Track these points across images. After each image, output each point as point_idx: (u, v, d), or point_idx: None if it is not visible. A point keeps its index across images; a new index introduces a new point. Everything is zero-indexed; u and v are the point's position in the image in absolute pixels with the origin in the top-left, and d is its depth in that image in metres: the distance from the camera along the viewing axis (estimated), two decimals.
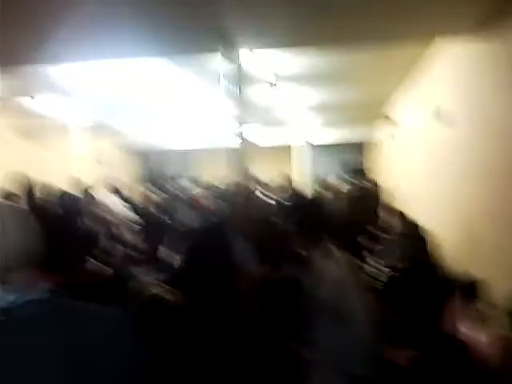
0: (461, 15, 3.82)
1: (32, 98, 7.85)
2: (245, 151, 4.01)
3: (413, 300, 3.90)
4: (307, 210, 2.53)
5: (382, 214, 7.13)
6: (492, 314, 3.61)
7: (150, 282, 3.31)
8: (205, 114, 9.86)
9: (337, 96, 8.42)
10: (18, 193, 5.99)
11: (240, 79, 4.05)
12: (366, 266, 4.54)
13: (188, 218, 5.51)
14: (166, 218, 6.29)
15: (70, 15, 3.48)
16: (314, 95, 8.24)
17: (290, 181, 10.62)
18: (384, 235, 5.80)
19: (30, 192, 3.43)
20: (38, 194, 6.37)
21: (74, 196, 6.35)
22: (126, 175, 13.51)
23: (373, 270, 4.59)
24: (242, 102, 4.04)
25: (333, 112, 10.25)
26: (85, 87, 7.11)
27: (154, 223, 5.73)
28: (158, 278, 3.42)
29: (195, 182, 10.84)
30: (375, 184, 7.91)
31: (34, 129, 9.94)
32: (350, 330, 2.27)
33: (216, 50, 4.05)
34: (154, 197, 7.08)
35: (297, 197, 9.04)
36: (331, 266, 2.30)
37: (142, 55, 4.94)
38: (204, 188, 8.65)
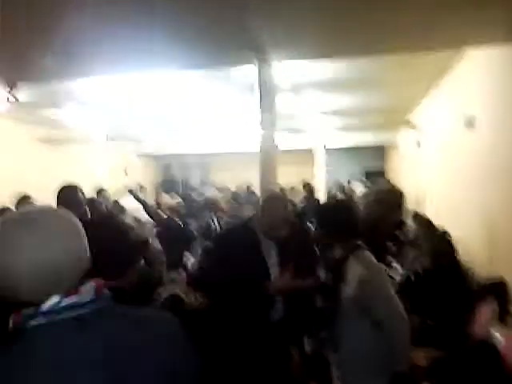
0: (493, 25, 3.80)
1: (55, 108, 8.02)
2: (270, 156, 4.14)
3: (440, 303, 3.87)
4: (336, 213, 2.54)
5: (406, 218, 7.09)
6: None
7: (175, 286, 3.34)
8: (226, 119, 9.93)
9: (361, 101, 8.41)
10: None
11: (271, 89, 4.16)
12: (391, 270, 4.52)
13: (210, 223, 5.57)
14: (187, 223, 6.36)
15: (99, 31, 3.58)
16: (338, 100, 8.25)
17: (310, 186, 10.66)
18: (409, 240, 5.78)
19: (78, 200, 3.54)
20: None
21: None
22: (148, 182, 13.64)
23: (399, 273, 4.56)
24: (271, 110, 4.13)
25: (357, 117, 10.22)
26: (107, 96, 7.23)
27: (173, 229, 5.74)
28: (183, 282, 3.47)
29: (216, 187, 10.97)
30: (397, 189, 7.86)
31: (57, 139, 10.14)
32: (387, 330, 2.27)
33: (247, 62, 4.18)
34: (175, 203, 7.12)
35: (320, 201, 9.07)
36: (362, 268, 2.30)
37: (175, 68, 5.06)
38: (225, 193, 8.75)
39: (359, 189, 9.91)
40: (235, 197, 9.86)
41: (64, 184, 3.66)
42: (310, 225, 4.63)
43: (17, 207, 6.08)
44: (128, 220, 5.30)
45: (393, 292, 2.32)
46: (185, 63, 4.70)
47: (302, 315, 2.84)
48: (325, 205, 3.12)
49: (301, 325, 2.89)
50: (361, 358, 2.32)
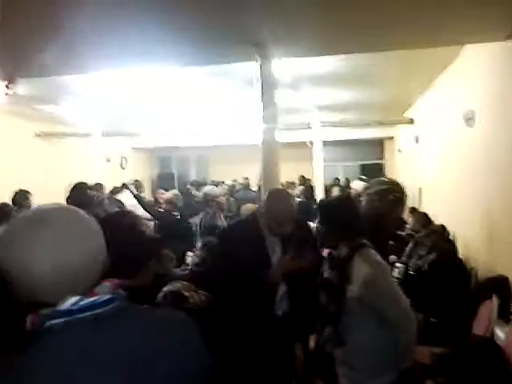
0: (493, 22, 3.80)
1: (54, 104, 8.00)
2: (272, 150, 4.17)
3: (442, 300, 3.89)
4: (341, 211, 2.52)
5: (405, 214, 7.10)
6: None
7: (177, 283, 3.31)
8: (225, 113, 9.92)
9: (359, 96, 8.42)
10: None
11: (272, 84, 4.16)
12: (393, 267, 4.52)
13: (210, 218, 5.54)
14: (184, 216, 6.33)
15: (99, 27, 3.56)
16: (337, 95, 8.25)
17: (308, 181, 10.65)
18: (408, 236, 5.79)
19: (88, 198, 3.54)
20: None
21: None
22: (145, 176, 13.61)
23: (400, 270, 4.57)
24: (272, 104, 4.14)
25: (355, 112, 10.24)
26: (105, 91, 7.20)
27: (171, 222, 5.71)
28: (185, 278, 3.43)
29: (212, 181, 10.94)
30: (398, 184, 7.87)
31: (54, 133, 10.10)
32: (393, 328, 2.27)
33: (248, 59, 4.20)
34: (171, 195, 7.07)
35: (316, 197, 9.07)
36: (368, 267, 2.29)
37: (176, 65, 5.06)
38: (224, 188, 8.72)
39: (357, 185, 9.90)
40: (232, 192, 9.84)
41: (77, 182, 3.62)
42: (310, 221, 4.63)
43: (14, 202, 6.06)
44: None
45: (399, 290, 2.31)
46: (186, 60, 4.73)
47: (306, 312, 2.83)
48: (329, 202, 3.10)
49: (305, 321, 2.88)
50: (366, 355, 2.33)
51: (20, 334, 1.01)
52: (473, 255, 4.94)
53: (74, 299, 1.00)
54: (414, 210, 7.16)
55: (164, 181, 14.27)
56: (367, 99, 8.69)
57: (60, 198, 7.71)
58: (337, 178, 12.75)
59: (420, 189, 8.48)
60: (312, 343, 2.90)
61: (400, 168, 11.89)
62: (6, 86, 4.98)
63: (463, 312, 3.74)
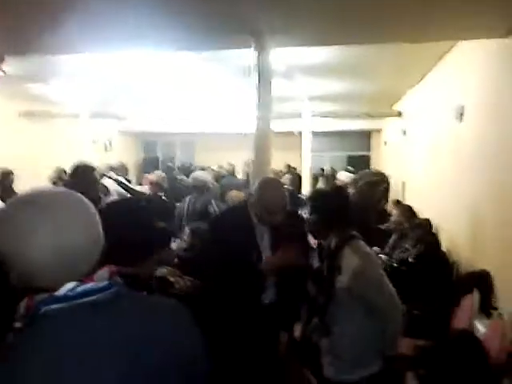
0: (487, 18, 3.81)
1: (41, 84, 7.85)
2: (265, 138, 4.18)
3: (424, 293, 3.95)
4: (332, 201, 2.53)
5: (389, 206, 7.15)
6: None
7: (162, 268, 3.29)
8: (214, 99, 9.86)
9: (349, 88, 8.43)
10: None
11: (267, 73, 4.17)
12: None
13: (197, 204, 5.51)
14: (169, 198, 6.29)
15: (93, 9, 3.49)
16: (327, 86, 8.25)
17: (294, 170, 10.67)
18: (391, 228, 5.84)
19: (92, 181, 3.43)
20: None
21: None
22: (130, 160, 13.49)
23: (384, 262, 4.61)
24: (267, 93, 4.14)
25: (344, 103, 10.26)
26: (94, 73, 7.09)
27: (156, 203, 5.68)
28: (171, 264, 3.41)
29: (200, 167, 10.87)
30: (384, 175, 7.93)
31: (41, 113, 9.93)
32: (381, 318, 2.31)
33: (245, 46, 4.18)
34: (156, 177, 7.02)
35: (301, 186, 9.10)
36: (357, 259, 2.31)
37: (172, 50, 5.00)
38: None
39: (343, 176, 9.95)
40: (217, 177, 9.80)
41: (80, 163, 3.50)
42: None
43: None
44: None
45: (387, 281, 2.34)
46: (181, 45, 4.67)
47: (292, 301, 2.85)
48: (321, 191, 3.11)
49: (291, 310, 2.90)
50: (354, 345, 2.36)
51: (11, 320, 0.99)
52: (456, 249, 5.02)
53: (70, 285, 0.98)
54: (398, 203, 7.22)
55: (149, 165, 14.18)
56: (357, 91, 8.70)
57: (43, 177, 7.66)
58: (322, 169, 12.80)
59: (404, 182, 8.56)
60: (297, 332, 2.92)
61: (386, 160, 11.98)
62: None
63: (445, 305, 3.80)
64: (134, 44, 4.57)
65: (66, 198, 1.04)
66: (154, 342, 1.04)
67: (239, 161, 10.87)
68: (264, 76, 4.21)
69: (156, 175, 7.06)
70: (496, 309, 3.65)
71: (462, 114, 5.09)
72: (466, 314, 3.52)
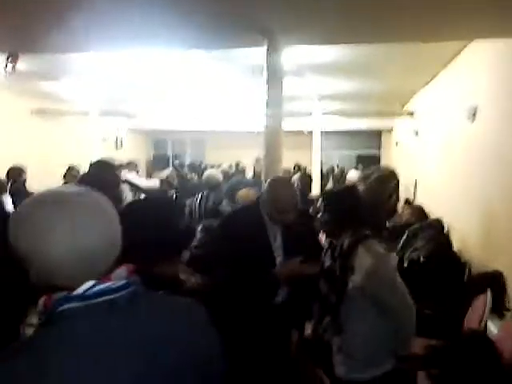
0: (502, 19, 3.78)
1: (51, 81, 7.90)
2: (275, 136, 4.18)
3: (436, 292, 3.92)
4: (346, 200, 2.52)
5: (401, 206, 7.12)
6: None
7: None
8: (224, 98, 9.86)
9: (360, 87, 8.40)
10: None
11: (279, 71, 4.17)
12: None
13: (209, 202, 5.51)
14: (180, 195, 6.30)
15: (105, 7, 3.50)
16: (338, 85, 8.22)
17: (303, 169, 10.63)
18: (401, 228, 5.81)
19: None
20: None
21: None
22: (140, 158, 13.54)
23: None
24: (278, 91, 4.13)
25: (355, 102, 10.22)
26: (104, 71, 7.12)
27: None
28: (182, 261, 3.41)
29: (211, 165, 10.88)
30: (394, 171, 7.88)
31: (52, 111, 10.00)
32: (393, 318, 2.30)
33: (256, 45, 4.18)
34: (168, 176, 7.05)
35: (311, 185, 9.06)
36: (371, 258, 2.30)
37: (183, 48, 5.01)
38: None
39: (353, 175, 9.92)
40: (226, 176, 9.79)
41: (99, 160, 3.46)
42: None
43: (8, 178, 6.02)
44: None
45: (400, 282, 2.33)
46: (192, 44, 4.67)
47: (304, 299, 2.84)
48: (334, 190, 3.09)
49: (303, 309, 2.90)
50: (366, 344, 2.35)
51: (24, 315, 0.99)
52: (468, 249, 4.98)
53: (88, 284, 0.98)
54: (409, 203, 7.19)
55: (159, 162, 14.22)
56: (368, 90, 8.66)
57: (54, 174, 7.71)
58: (332, 167, 12.77)
59: (416, 181, 8.51)
60: (309, 330, 2.92)
61: (396, 160, 11.92)
62: (8, 61, 4.90)
63: (456, 305, 3.78)
64: (145, 43, 4.58)
65: (84, 197, 1.03)
66: (171, 341, 1.04)
67: (249, 159, 10.88)
68: (275, 74, 4.21)
69: (166, 173, 7.09)
70: (509, 310, 3.63)
71: (474, 115, 5.06)
72: (479, 315, 3.49)
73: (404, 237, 5.42)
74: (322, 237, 3.50)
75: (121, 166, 7.49)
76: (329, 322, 2.47)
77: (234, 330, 2.59)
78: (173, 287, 1.48)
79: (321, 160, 10.67)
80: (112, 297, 1.00)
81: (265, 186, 2.87)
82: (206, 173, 5.78)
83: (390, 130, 13.29)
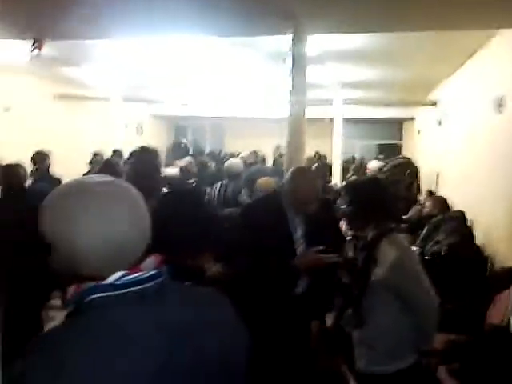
0: None
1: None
2: (299, 123, 4.16)
3: (458, 287, 3.88)
4: (373, 191, 2.48)
5: (423, 197, 7.04)
6: None
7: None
8: (246, 84, 9.83)
9: (383, 75, 8.28)
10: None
11: (303, 59, 4.11)
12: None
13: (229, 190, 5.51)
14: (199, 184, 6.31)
15: None
16: (361, 73, 8.13)
17: (323, 157, 10.56)
18: (424, 219, 5.75)
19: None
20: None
21: None
22: (161, 144, 13.60)
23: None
24: (302, 78, 4.10)
25: (377, 90, 10.09)
26: (126, 57, 7.14)
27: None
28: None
29: (231, 154, 10.88)
30: (410, 160, 7.80)
31: (75, 97, 10.08)
32: (417, 312, 2.29)
33: (282, 33, 4.14)
34: (187, 165, 7.06)
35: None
36: (395, 251, 2.28)
37: (208, 35, 4.99)
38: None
39: (374, 165, 9.83)
40: (245, 164, 9.76)
41: (142, 147, 3.46)
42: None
43: (33, 163, 6.10)
44: None
45: (424, 275, 2.30)
46: (219, 31, 4.65)
47: (325, 290, 2.84)
48: (360, 182, 3.05)
49: (323, 300, 2.90)
50: (389, 338, 2.34)
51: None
52: (492, 243, 4.90)
53: (118, 274, 0.98)
54: (431, 194, 7.10)
55: (179, 149, 14.25)
56: (391, 78, 8.54)
57: (78, 159, 7.80)
58: (353, 157, 12.64)
59: (438, 172, 8.39)
60: (330, 321, 2.91)
61: (419, 150, 11.76)
62: (33, 47, 4.96)
63: (478, 299, 3.73)
64: (169, 30, 4.57)
65: (114, 188, 1.03)
66: (199, 332, 1.04)
67: (269, 147, 10.84)
68: (299, 62, 4.17)
69: (185, 161, 7.09)
70: None
71: (500, 106, 4.95)
72: (501, 310, 3.44)
73: (425, 229, 5.37)
74: (343, 225, 3.48)
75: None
76: (351, 314, 2.46)
77: (254, 319, 2.60)
78: (198, 278, 1.49)
79: (341, 149, 10.56)
80: (141, 287, 1.00)
81: (287, 175, 2.86)
82: (227, 162, 5.77)
83: (412, 119, 13.10)
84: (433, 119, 9.16)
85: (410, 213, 6.63)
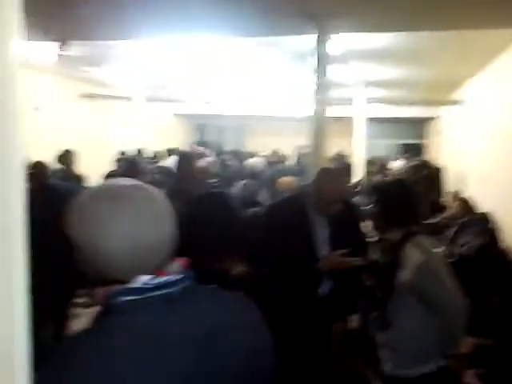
0: None
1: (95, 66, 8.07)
2: (321, 123, 4.17)
3: (485, 289, 3.81)
4: (400, 194, 2.45)
5: (446, 198, 6.93)
6: None
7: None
8: (267, 83, 9.83)
9: (407, 74, 8.19)
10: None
11: (326, 58, 4.10)
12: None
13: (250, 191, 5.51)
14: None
15: None
16: (384, 72, 8.05)
17: (342, 157, 10.46)
18: (449, 220, 5.66)
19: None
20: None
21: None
22: (184, 143, 13.69)
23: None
24: (325, 78, 4.08)
25: (401, 89, 9.99)
26: (149, 57, 7.19)
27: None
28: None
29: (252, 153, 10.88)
30: (426, 162, 7.69)
31: (99, 96, 10.21)
32: (443, 316, 2.25)
33: (306, 32, 4.12)
34: (208, 165, 7.06)
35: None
36: (420, 254, 2.25)
37: (232, 35, 5.01)
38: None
39: (397, 165, 9.72)
40: (266, 163, 9.74)
41: (182, 151, 3.56)
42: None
43: (60, 162, 6.20)
44: None
45: (451, 278, 2.27)
46: (243, 31, 4.65)
47: (348, 293, 2.82)
48: (388, 183, 3.02)
49: (346, 302, 2.88)
50: (412, 339, 2.31)
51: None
52: None
53: (144, 278, 0.99)
54: (456, 195, 6.98)
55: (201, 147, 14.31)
56: (415, 77, 8.44)
57: (102, 158, 7.90)
58: (372, 159, 12.51)
59: (463, 173, 8.25)
60: (353, 324, 2.89)
61: (442, 149, 11.58)
62: (59, 47, 5.04)
63: (505, 303, 3.66)
64: (192, 30, 4.58)
65: (140, 191, 1.04)
66: (225, 335, 1.04)
67: (290, 147, 10.80)
68: (322, 61, 4.15)
69: (206, 162, 7.09)
70: None
71: None
72: None
73: (451, 230, 5.28)
74: (366, 225, 3.45)
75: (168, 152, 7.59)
76: (375, 316, 2.43)
77: (277, 320, 2.60)
78: (225, 281, 1.49)
79: (364, 148, 10.45)
80: (168, 291, 1.00)
81: (312, 176, 2.84)
82: (248, 161, 5.77)
83: (435, 119, 12.92)
84: (457, 118, 9.02)
85: (436, 218, 6.52)
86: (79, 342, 0.98)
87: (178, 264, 1.06)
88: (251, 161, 5.71)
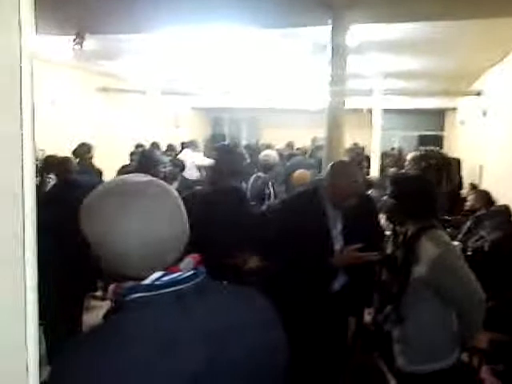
0: None
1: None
2: (338, 114, 4.13)
3: (502, 283, 3.76)
4: (417, 187, 2.42)
5: (464, 192, 6.84)
6: None
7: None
8: (281, 75, 9.77)
9: (426, 65, 8.07)
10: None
11: (343, 49, 4.05)
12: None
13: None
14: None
15: None
16: (402, 63, 7.95)
17: (358, 149, 10.37)
18: (466, 213, 5.59)
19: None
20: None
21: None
22: (199, 136, 13.73)
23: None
24: (342, 69, 4.05)
25: (419, 80, 9.86)
26: (165, 50, 7.20)
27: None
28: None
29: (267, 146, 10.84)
30: (432, 151, 7.54)
31: (116, 90, 10.26)
32: (461, 310, 2.23)
33: (323, 24, 4.06)
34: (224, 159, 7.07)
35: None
36: (436, 248, 2.22)
37: (250, 27, 4.98)
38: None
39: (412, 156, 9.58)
40: (281, 156, 9.67)
41: (224, 145, 3.54)
42: None
43: (76, 155, 6.24)
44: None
45: (468, 272, 2.23)
46: (261, 23, 4.63)
47: (363, 287, 2.80)
48: (405, 177, 2.98)
49: (361, 297, 2.86)
50: (428, 334, 2.29)
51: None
52: None
53: (157, 274, 0.99)
54: (474, 188, 6.89)
55: (216, 142, 14.30)
56: (433, 68, 8.31)
57: (119, 151, 7.95)
58: (393, 148, 12.40)
59: (481, 165, 8.12)
60: (368, 318, 2.88)
61: (461, 141, 11.41)
62: (74, 42, 5.07)
63: None
64: (209, 22, 4.57)
65: (153, 188, 1.03)
66: (238, 332, 1.04)
67: (305, 139, 10.74)
68: (339, 52, 4.12)
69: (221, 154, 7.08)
70: None
71: None
72: None
73: (468, 223, 5.21)
74: (382, 219, 3.42)
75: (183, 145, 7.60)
76: (390, 311, 2.41)
77: (291, 315, 2.60)
78: (238, 277, 1.48)
79: (381, 140, 10.35)
80: (180, 287, 1.00)
81: (327, 169, 2.81)
82: (261, 154, 5.73)
83: (454, 110, 12.72)
84: (476, 110, 8.86)
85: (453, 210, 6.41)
86: (91, 338, 0.98)
87: (191, 260, 1.06)
88: (264, 153, 5.64)
